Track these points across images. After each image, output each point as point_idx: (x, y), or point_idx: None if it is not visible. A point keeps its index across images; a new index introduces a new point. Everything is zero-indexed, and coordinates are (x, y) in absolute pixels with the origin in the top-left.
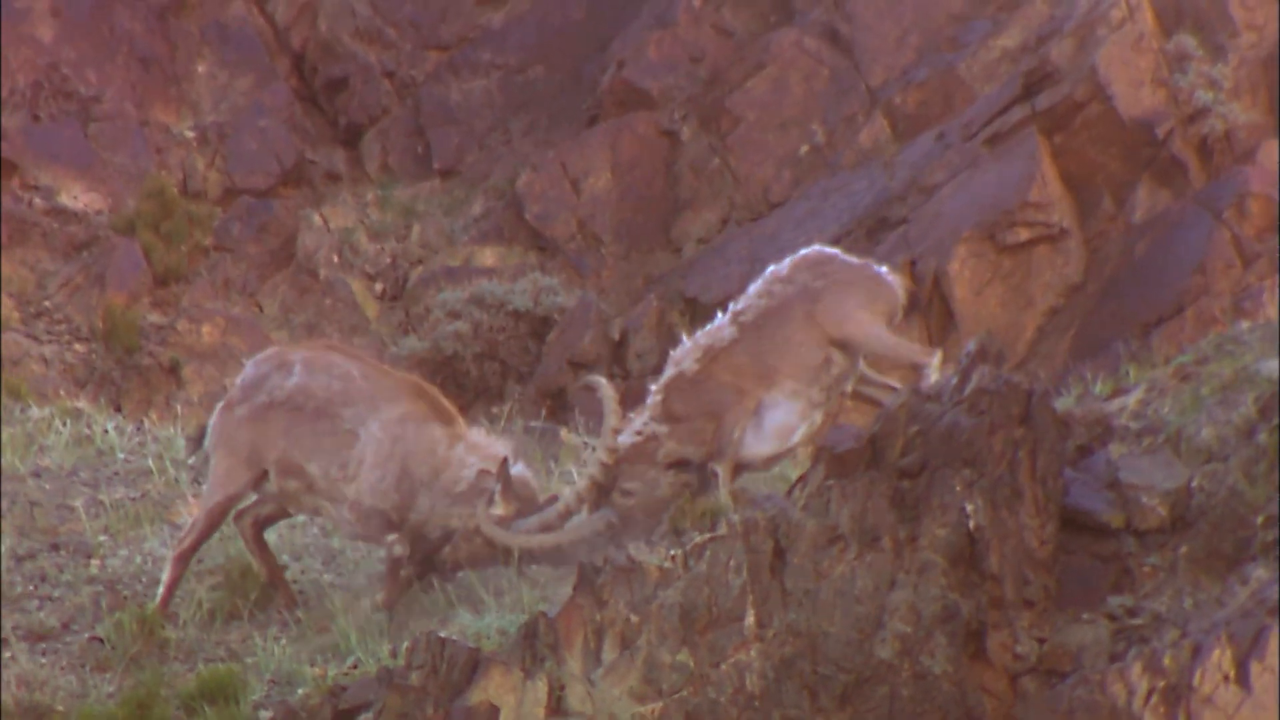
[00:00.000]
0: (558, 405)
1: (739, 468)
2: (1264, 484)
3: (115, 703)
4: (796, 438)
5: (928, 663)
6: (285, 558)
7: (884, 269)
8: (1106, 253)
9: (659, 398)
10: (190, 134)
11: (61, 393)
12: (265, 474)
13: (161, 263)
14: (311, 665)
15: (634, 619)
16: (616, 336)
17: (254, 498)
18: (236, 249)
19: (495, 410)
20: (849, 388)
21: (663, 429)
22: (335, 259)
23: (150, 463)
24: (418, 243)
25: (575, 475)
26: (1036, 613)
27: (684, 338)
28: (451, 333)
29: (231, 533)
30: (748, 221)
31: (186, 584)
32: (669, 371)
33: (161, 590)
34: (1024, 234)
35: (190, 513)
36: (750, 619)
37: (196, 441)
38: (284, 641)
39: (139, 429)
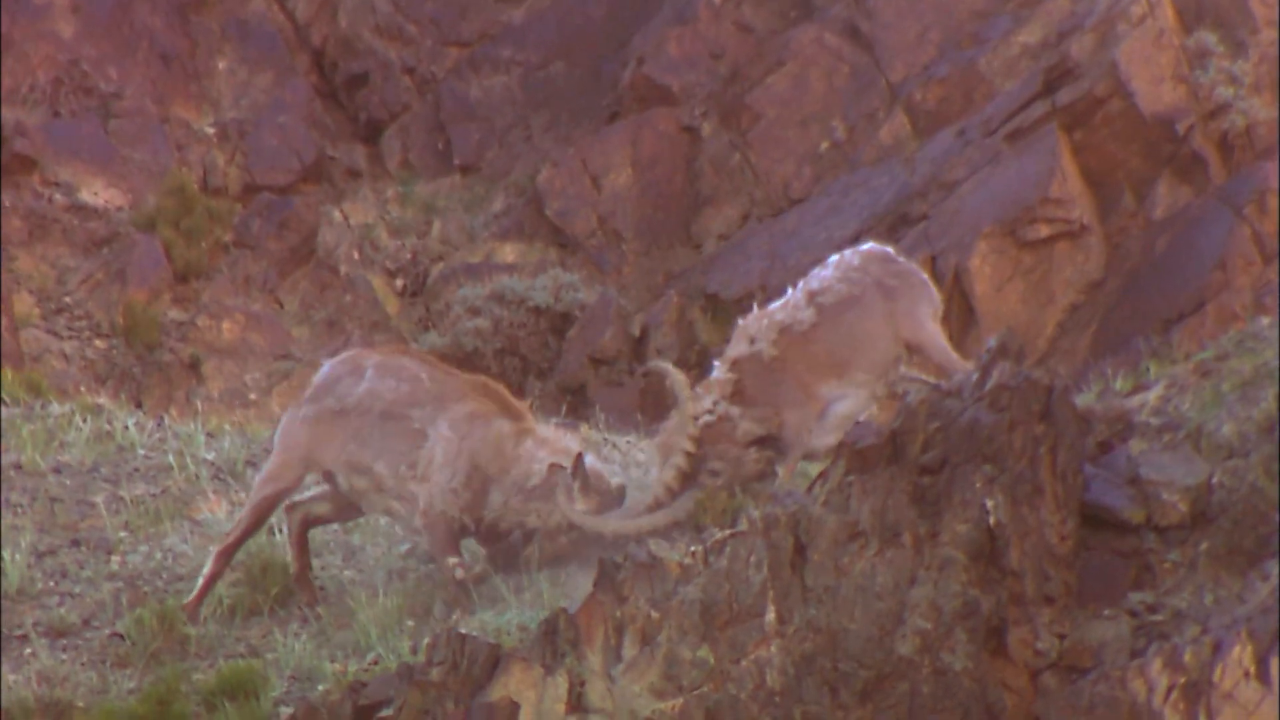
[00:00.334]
0: (578, 401)
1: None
2: None
3: (136, 699)
4: None
5: (948, 659)
6: None
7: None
8: (1127, 249)
9: (731, 376)
10: (210, 130)
11: (82, 389)
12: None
13: (182, 259)
14: (332, 661)
15: (654, 615)
16: (637, 333)
17: (310, 493)
18: (257, 245)
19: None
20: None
21: (735, 410)
22: (356, 255)
23: (170, 459)
24: (438, 239)
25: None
26: (1057, 609)
27: (755, 306)
28: (472, 329)
29: None
30: (768, 218)
31: None
32: (740, 346)
33: (200, 582)
34: (1044, 230)
35: (211, 509)
36: (771, 615)
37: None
38: (304, 638)
39: (159, 425)
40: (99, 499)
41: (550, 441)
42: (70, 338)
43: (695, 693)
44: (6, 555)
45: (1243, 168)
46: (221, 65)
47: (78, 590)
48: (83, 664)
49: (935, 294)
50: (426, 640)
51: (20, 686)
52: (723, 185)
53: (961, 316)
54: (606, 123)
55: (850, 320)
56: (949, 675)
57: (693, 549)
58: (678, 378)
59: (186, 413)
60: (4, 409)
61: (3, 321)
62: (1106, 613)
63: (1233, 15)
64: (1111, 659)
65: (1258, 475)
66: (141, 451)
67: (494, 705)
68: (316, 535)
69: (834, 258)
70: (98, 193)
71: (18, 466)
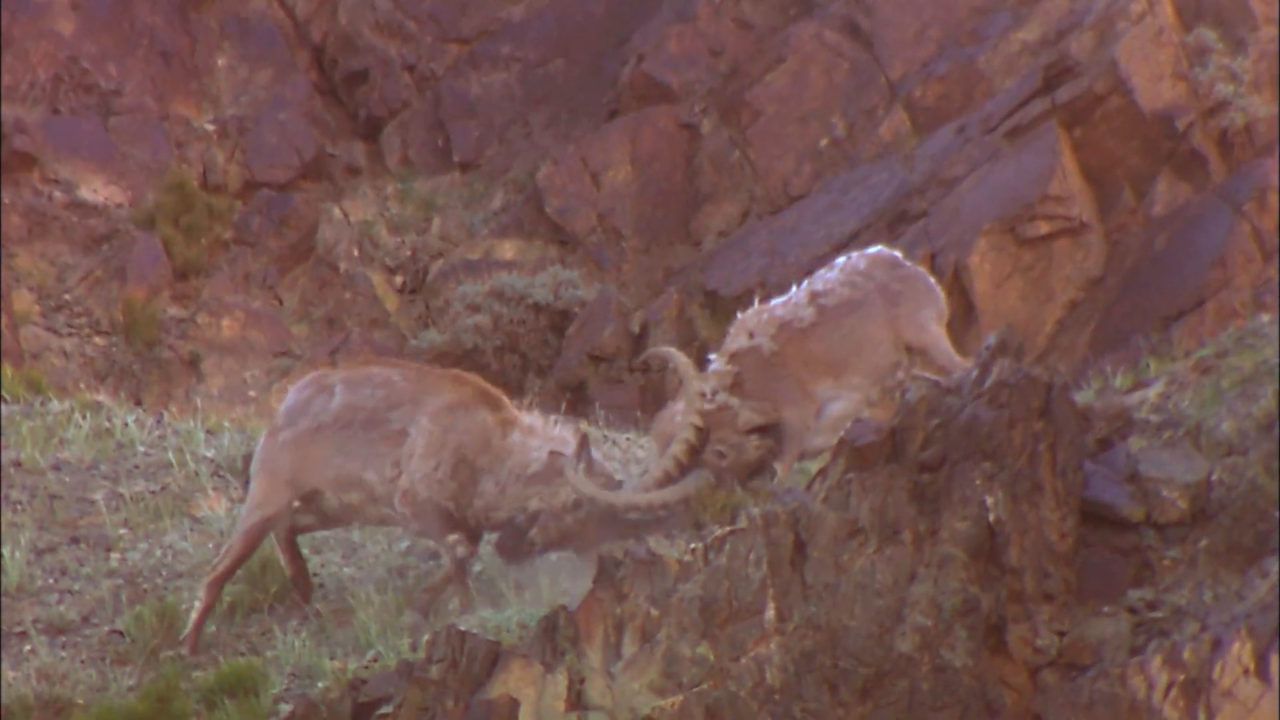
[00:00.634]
0: (578, 398)
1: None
2: None
3: (135, 696)
4: None
5: (948, 656)
6: (305, 551)
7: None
8: (1126, 246)
9: (731, 368)
10: (210, 127)
11: (81, 386)
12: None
13: (181, 256)
14: (332, 659)
15: (654, 612)
16: (637, 330)
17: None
18: (256, 242)
19: (515, 404)
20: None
21: (735, 400)
22: (355, 252)
23: (170, 456)
24: (438, 236)
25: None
26: (1056, 606)
27: (755, 302)
28: (471, 326)
29: None
30: (768, 215)
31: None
32: (739, 339)
33: (194, 617)
34: (1044, 227)
35: (210, 506)
36: (770, 612)
37: (245, 475)
38: (304, 635)
39: (159, 422)
40: (98, 496)
41: (538, 430)
42: (70, 335)
43: (695, 690)
44: (6, 552)
45: (1242, 165)
46: (221, 62)
47: (77, 587)
48: (82, 661)
49: (941, 299)
50: (426, 638)
51: (20, 684)
52: (722, 182)
53: (961, 314)
54: (606, 120)
55: (850, 324)
56: (949, 672)
57: (692, 546)
58: (680, 359)
59: (186, 410)
60: (4, 406)
61: (2, 319)
62: (1106, 610)
63: (1232, 12)
64: (1111, 656)
65: (1257, 472)
66: (141, 448)
67: (494, 702)
68: (316, 532)
69: (840, 260)
70: (97, 190)
71: (17, 464)
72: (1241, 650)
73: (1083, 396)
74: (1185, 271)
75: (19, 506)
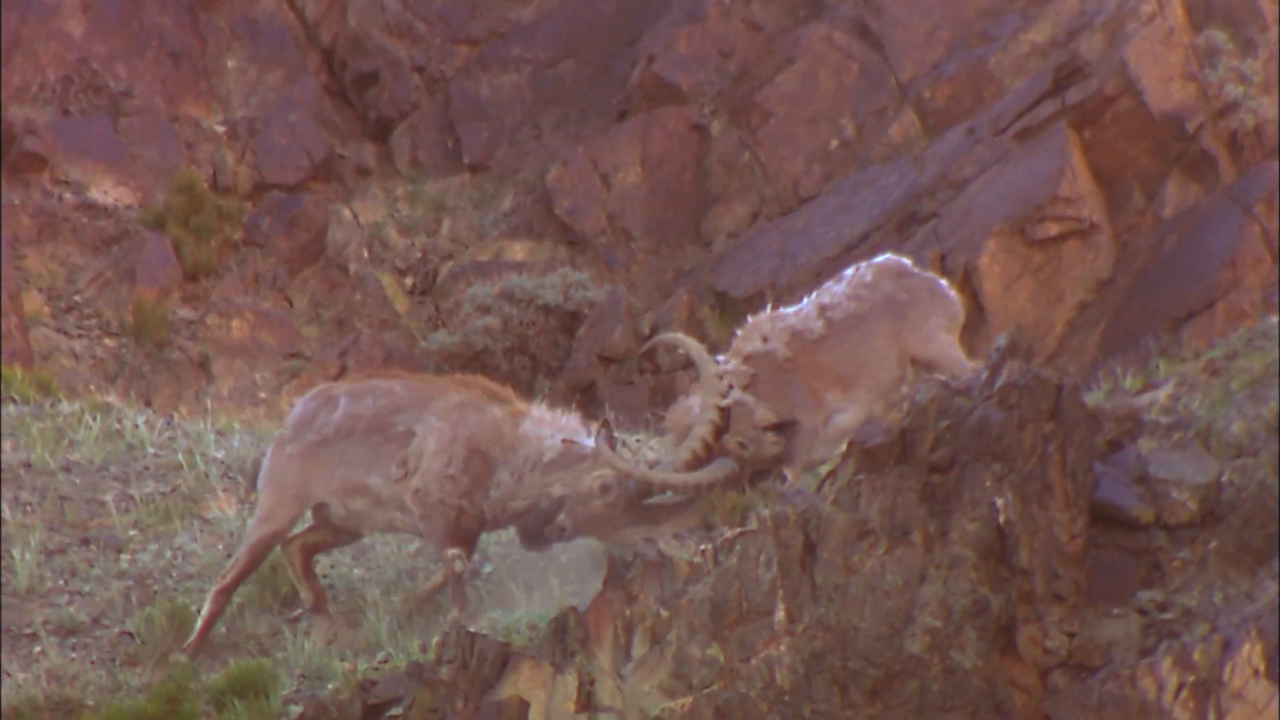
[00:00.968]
0: (587, 400)
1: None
2: None
3: (145, 697)
4: None
5: (958, 657)
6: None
7: (944, 282)
8: (1136, 247)
9: (746, 369)
10: (220, 129)
11: (91, 387)
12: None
13: (191, 257)
14: (341, 660)
15: (664, 614)
16: (646, 331)
17: (305, 525)
18: (266, 244)
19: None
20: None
21: (749, 398)
22: (365, 254)
23: (180, 457)
24: (448, 237)
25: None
26: (1066, 607)
27: (767, 304)
28: (481, 327)
29: None
30: (778, 216)
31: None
32: (753, 342)
33: (199, 625)
34: (1054, 229)
35: (220, 507)
36: (780, 614)
37: (251, 481)
38: (314, 636)
39: (169, 424)
40: (108, 497)
41: (547, 420)
42: (80, 336)
43: (705, 691)
44: (16, 554)
45: (1252, 166)
46: (231, 64)
47: (87, 589)
48: (92, 662)
49: (954, 304)
50: (436, 639)
51: (30, 685)
52: (732, 183)
53: (971, 315)
54: (616, 121)
55: (856, 339)
56: (958, 673)
57: (702, 547)
58: (692, 344)
59: (196, 411)
60: (14, 407)
61: (13, 320)
62: (1116, 611)
63: (1242, 13)
64: (1121, 657)
65: (1267, 473)
66: (151, 450)
67: (503, 704)
68: None
69: (849, 271)
70: (107, 191)
71: (27, 465)
72: (1252, 651)
73: (1092, 398)
74: (1195, 273)
75: (29, 508)
